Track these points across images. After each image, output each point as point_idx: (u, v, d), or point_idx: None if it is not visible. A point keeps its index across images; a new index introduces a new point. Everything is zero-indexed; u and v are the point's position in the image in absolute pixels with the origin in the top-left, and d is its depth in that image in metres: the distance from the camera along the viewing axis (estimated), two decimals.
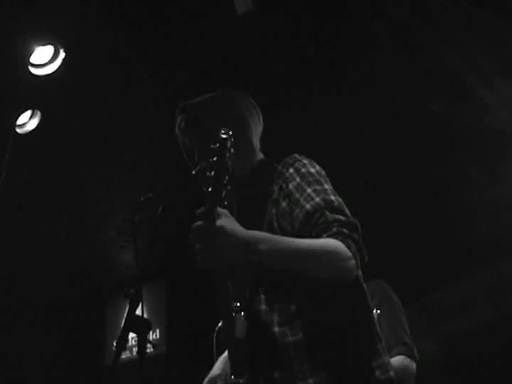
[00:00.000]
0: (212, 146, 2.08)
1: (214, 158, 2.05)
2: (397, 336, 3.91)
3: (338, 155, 5.81)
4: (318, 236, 2.17)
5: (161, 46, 5.20)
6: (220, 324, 3.14)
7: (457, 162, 5.96)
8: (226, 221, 2.05)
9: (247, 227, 2.18)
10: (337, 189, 2.40)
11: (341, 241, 2.13)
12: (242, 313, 2.21)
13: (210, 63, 5.32)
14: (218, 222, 2.01)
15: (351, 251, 2.12)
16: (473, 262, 6.20)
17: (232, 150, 2.09)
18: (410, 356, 3.90)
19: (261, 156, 2.67)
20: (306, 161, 2.43)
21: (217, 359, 2.87)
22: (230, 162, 2.07)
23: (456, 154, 5.95)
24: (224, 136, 2.09)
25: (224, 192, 2.05)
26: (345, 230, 2.16)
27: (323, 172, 2.43)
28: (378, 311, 3.78)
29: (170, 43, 5.17)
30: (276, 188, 2.40)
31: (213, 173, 2.03)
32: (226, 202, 2.09)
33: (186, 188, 2.61)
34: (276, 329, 2.23)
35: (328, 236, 2.15)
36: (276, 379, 2.19)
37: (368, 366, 2.17)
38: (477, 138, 5.78)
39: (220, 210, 2.05)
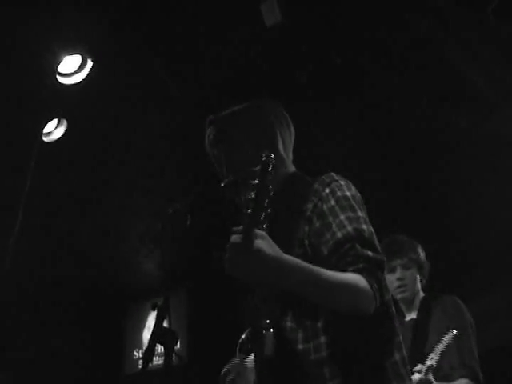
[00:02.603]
0: (254, 169, 2.09)
1: (256, 181, 2.06)
2: (462, 358, 3.84)
3: (353, 166, 5.82)
4: (344, 267, 2.17)
5: (187, 57, 5.22)
6: (243, 336, 3.15)
7: (476, 175, 5.93)
8: (264, 243, 2.04)
9: (276, 242, 2.17)
10: None
11: (365, 277, 2.12)
12: (271, 330, 2.21)
13: (236, 74, 5.33)
14: (256, 243, 2.01)
15: (373, 290, 2.12)
16: (491, 276, 6.14)
17: (273, 173, 2.09)
18: (474, 379, 3.81)
19: (292, 169, 2.64)
20: (342, 182, 2.41)
21: None
22: (270, 186, 2.07)
23: (477, 168, 5.92)
24: (265, 159, 2.09)
25: (264, 214, 2.06)
26: (370, 268, 2.16)
27: (358, 195, 2.42)
28: (454, 331, 3.78)
29: (196, 53, 5.19)
30: (310, 206, 2.37)
31: (253, 195, 2.04)
32: (264, 225, 2.08)
33: (213, 200, 2.61)
34: (300, 346, 2.23)
35: (353, 270, 2.15)
36: None
37: (386, 378, 2.17)
38: (497, 152, 5.76)
39: (258, 231, 2.05)
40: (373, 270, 2.16)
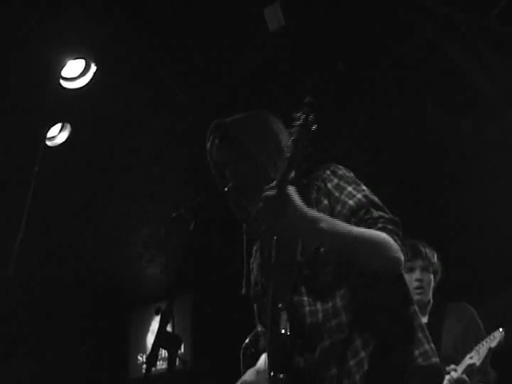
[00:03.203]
0: (297, 118, 2.20)
1: (292, 138, 2.18)
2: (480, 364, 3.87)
3: (356, 171, 5.80)
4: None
5: (192, 61, 5.23)
6: (247, 340, 3.14)
7: (481, 179, 5.92)
8: (296, 197, 2.17)
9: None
10: None
11: (388, 234, 2.24)
12: (285, 312, 2.23)
13: (240, 79, 5.34)
14: (289, 194, 2.15)
15: (398, 243, 2.24)
16: (496, 282, 6.12)
17: (313, 128, 2.20)
18: None
19: None
20: (341, 167, 2.53)
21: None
22: (307, 142, 2.18)
23: (483, 172, 5.90)
24: (304, 113, 2.21)
25: (295, 172, 2.19)
26: (390, 226, 2.28)
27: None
28: (501, 329, 3.84)
29: (201, 58, 5.19)
30: (313, 190, 2.46)
31: (292, 143, 2.17)
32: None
33: (217, 205, 2.61)
34: (322, 326, 2.29)
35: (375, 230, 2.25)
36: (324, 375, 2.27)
37: (410, 353, 2.28)
38: (502, 157, 5.75)
39: (290, 187, 2.17)
40: (393, 229, 2.27)
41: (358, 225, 2.28)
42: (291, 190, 2.16)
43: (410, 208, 6.17)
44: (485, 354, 3.80)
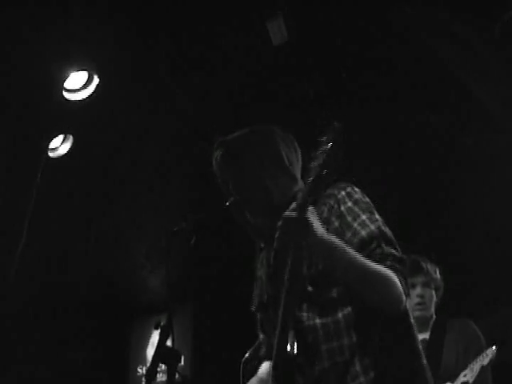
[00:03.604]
0: (322, 138, 2.21)
1: (325, 148, 2.18)
2: (482, 380, 3.86)
3: (360, 182, 5.81)
4: None
5: (195, 73, 5.24)
6: (247, 354, 3.13)
7: (484, 192, 5.92)
8: (314, 219, 2.18)
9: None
10: None
11: (394, 273, 2.22)
12: (292, 330, 2.22)
13: (244, 91, 5.35)
14: (309, 217, 2.15)
15: (402, 285, 2.22)
16: (498, 295, 6.11)
17: (341, 151, 2.22)
18: None
19: (301, 186, 2.64)
20: (357, 189, 2.50)
21: None
22: (331, 169, 2.19)
23: (485, 185, 5.91)
24: (335, 127, 2.25)
25: (317, 193, 2.20)
26: (398, 266, 2.25)
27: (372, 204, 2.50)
28: (494, 347, 3.81)
29: (204, 70, 5.21)
30: (326, 208, 2.44)
31: (318, 162, 2.17)
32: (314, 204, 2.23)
33: (219, 219, 2.61)
34: (323, 346, 2.27)
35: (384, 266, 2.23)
36: None
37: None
38: (505, 170, 5.76)
39: (310, 208, 2.18)
40: (400, 268, 2.25)
41: (367, 257, 2.25)
42: (311, 214, 2.17)
43: (412, 221, 6.19)
44: (477, 371, 3.79)
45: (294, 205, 2.19)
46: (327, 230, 2.33)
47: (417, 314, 4.18)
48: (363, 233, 2.31)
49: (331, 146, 2.18)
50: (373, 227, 2.32)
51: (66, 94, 5.13)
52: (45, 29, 4.65)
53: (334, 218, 2.40)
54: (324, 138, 2.21)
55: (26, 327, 7.28)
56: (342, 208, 2.40)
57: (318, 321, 2.30)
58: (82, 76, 5.12)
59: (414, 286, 4.20)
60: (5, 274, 5.39)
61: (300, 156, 2.75)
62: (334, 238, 2.22)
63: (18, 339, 7.17)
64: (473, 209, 5.95)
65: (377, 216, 2.39)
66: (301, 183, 2.65)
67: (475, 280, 5.96)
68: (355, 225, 2.34)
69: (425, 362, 2.36)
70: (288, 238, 2.17)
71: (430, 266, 4.27)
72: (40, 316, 7.46)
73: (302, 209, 2.14)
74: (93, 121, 5.47)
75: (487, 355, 3.81)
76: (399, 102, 5.51)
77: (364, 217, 2.36)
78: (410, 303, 4.16)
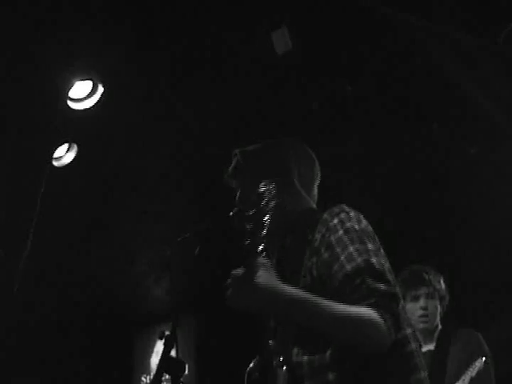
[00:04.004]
0: (252, 199, 2.12)
1: (252, 211, 2.09)
2: None
3: (368, 193, 5.81)
4: (356, 302, 2.11)
5: (200, 83, 5.24)
6: (251, 364, 3.12)
7: (487, 202, 5.91)
8: (264, 274, 2.05)
9: (286, 275, 2.21)
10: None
11: (378, 312, 2.06)
12: (284, 367, 2.19)
13: (248, 104, 5.35)
14: (257, 276, 2.03)
15: (387, 325, 2.06)
16: (503, 305, 6.09)
17: (272, 204, 2.10)
18: None
19: (309, 205, 2.63)
20: (352, 214, 2.36)
21: None
22: (269, 215, 2.09)
23: (488, 195, 5.90)
24: (262, 190, 2.11)
25: (262, 245, 2.05)
26: (384, 302, 2.09)
27: (370, 228, 2.37)
28: (484, 359, 3.79)
29: (209, 80, 5.21)
30: (318, 236, 2.33)
31: (251, 226, 2.07)
32: (264, 255, 2.08)
33: (223, 230, 2.61)
34: (307, 382, 2.21)
35: (367, 305, 2.08)
36: None
37: None
38: (508, 180, 5.76)
39: (262, 260, 2.07)
40: (386, 304, 2.09)
41: (351, 294, 2.13)
42: (261, 267, 2.06)
43: (416, 232, 6.19)
44: (467, 382, 3.79)
45: (245, 261, 2.07)
46: (317, 260, 2.28)
47: (421, 326, 4.17)
48: (348, 267, 2.17)
49: (257, 208, 2.10)
50: (359, 260, 2.18)
51: (71, 103, 5.13)
52: (49, 38, 4.66)
53: (323, 249, 2.28)
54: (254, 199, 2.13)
55: (30, 337, 7.28)
56: (332, 238, 2.27)
57: (305, 358, 2.24)
58: (87, 85, 5.13)
59: (417, 298, 4.19)
60: (9, 285, 5.39)
61: (317, 170, 2.73)
62: (291, 291, 2.09)
63: (21, 350, 7.17)
64: (477, 218, 5.94)
65: (368, 246, 2.24)
66: (308, 201, 2.63)
67: (481, 290, 5.95)
68: (342, 257, 2.21)
69: None
70: (237, 297, 2.07)
71: (433, 277, 4.25)
72: (43, 325, 7.45)
73: (249, 266, 2.05)
74: (97, 130, 5.48)
75: (476, 366, 3.80)
76: (402, 111, 5.51)
77: (351, 249, 2.22)
78: (414, 316, 4.16)
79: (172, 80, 5.25)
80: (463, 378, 3.81)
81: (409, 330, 2.27)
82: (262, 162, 2.64)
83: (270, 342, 2.31)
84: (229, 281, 2.09)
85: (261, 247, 2.05)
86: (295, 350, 2.27)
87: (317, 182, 2.72)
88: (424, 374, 2.26)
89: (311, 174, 2.70)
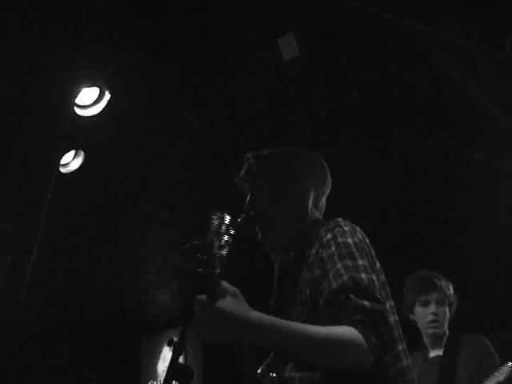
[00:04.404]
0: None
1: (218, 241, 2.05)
2: None
3: (374, 199, 5.81)
4: (339, 320, 2.04)
5: (207, 90, 5.25)
6: (259, 370, 3.11)
7: (493, 209, 5.91)
8: (229, 302, 1.97)
9: (284, 292, 2.25)
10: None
11: (360, 331, 1.99)
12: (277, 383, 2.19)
13: (256, 111, 5.36)
14: (220, 303, 1.94)
15: (369, 344, 1.98)
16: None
17: (225, 238, 2.07)
18: None
19: (316, 217, 2.60)
20: (346, 228, 2.31)
21: None
22: (225, 238, 2.07)
23: (494, 202, 5.90)
24: (215, 218, 2.11)
25: (217, 272, 1.99)
26: (367, 320, 2.01)
27: (365, 242, 2.32)
28: (510, 363, 3.77)
29: (216, 88, 5.22)
30: (313, 252, 2.31)
31: (204, 256, 2.01)
32: (221, 279, 2.01)
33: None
34: None
35: (348, 323, 2.01)
36: None
37: None
38: None
39: (229, 288, 2.02)
40: (370, 322, 2.02)
41: (335, 312, 2.07)
42: (228, 294, 2.00)
43: (425, 239, 6.18)
44: None
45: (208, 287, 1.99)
46: (310, 275, 2.26)
47: (431, 331, 4.18)
48: (334, 284, 2.12)
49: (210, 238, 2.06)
50: (345, 277, 2.12)
51: (78, 110, 5.14)
52: (56, 44, 4.67)
53: (316, 265, 2.25)
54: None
55: (38, 342, 7.29)
56: (324, 254, 2.23)
57: (297, 374, 2.20)
58: (94, 92, 5.13)
59: (428, 304, 4.20)
60: (16, 292, 5.39)
61: (328, 181, 2.71)
62: (260, 317, 1.98)
63: (29, 356, 7.18)
64: (483, 224, 5.94)
65: (359, 261, 2.18)
66: (315, 214, 2.61)
67: (489, 297, 5.95)
68: (330, 274, 2.16)
69: None
70: (202, 325, 1.98)
71: (443, 283, 4.26)
72: (50, 332, 7.46)
73: (211, 295, 1.96)
74: (104, 137, 5.48)
75: (503, 371, 3.79)
76: (408, 118, 5.51)
77: (339, 265, 2.16)
78: (424, 321, 4.18)
79: (179, 86, 5.25)
80: (486, 383, 3.80)
81: (400, 347, 2.22)
82: (275, 170, 2.63)
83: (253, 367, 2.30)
84: (195, 308, 1.98)
85: (216, 272, 1.99)
86: (289, 365, 2.24)
87: (326, 194, 2.71)
88: None
89: (323, 186, 2.68)
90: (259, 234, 2.60)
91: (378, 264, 2.32)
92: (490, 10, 4.56)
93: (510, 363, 3.80)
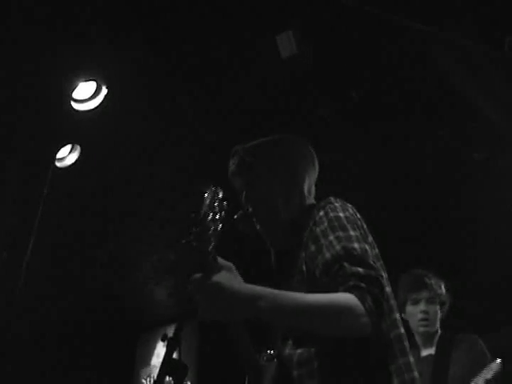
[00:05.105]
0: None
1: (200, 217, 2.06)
2: None
3: (374, 198, 5.80)
4: (335, 289, 2.07)
5: (205, 86, 5.24)
6: None
7: (492, 209, 5.91)
8: (225, 275, 1.97)
9: (283, 273, 2.27)
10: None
11: (356, 296, 2.01)
12: (275, 359, 2.19)
13: (254, 105, 5.35)
14: (216, 277, 1.94)
15: (365, 307, 1.99)
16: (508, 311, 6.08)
17: (219, 213, 2.08)
18: None
19: (311, 201, 2.63)
20: (337, 204, 2.36)
21: None
22: (216, 217, 2.07)
23: (493, 202, 5.90)
24: (209, 193, 2.14)
25: (212, 244, 1.99)
26: (362, 284, 2.04)
27: (356, 216, 2.37)
28: (499, 360, 3.79)
29: (216, 85, 5.21)
30: (307, 231, 2.35)
31: (198, 229, 2.02)
32: (215, 254, 2.01)
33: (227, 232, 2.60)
34: (295, 372, 2.21)
35: (344, 290, 2.04)
36: None
37: None
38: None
39: (224, 263, 2.02)
40: (366, 287, 2.04)
41: (330, 281, 2.10)
42: (224, 269, 1.99)
43: (422, 239, 6.18)
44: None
45: (201, 263, 1.98)
46: (305, 253, 2.29)
47: (421, 329, 4.19)
48: (327, 255, 2.16)
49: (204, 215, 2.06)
50: (338, 247, 2.16)
51: (74, 104, 5.13)
52: (53, 39, 4.66)
53: (310, 242, 2.29)
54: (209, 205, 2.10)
55: (32, 339, 7.28)
56: (318, 230, 2.27)
57: (297, 350, 2.24)
58: (91, 86, 5.12)
59: (418, 302, 4.21)
60: (11, 288, 5.38)
61: (317, 166, 2.73)
62: (257, 290, 1.99)
63: (25, 351, 7.17)
64: (483, 225, 5.94)
65: (351, 232, 2.23)
66: (310, 199, 2.64)
67: (490, 297, 5.95)
68: (324, 248, 2.20)
69: (408, 377, 2.19)
70: (201, 303, 1.96)
71: (434, 281, 4.27)
72: (46, 328, 7.45)
73: (205, 267, 1.96)
74: (101, 131, 5.46)
75: (492, 368, 3.80)
76: (407, 118, 5.51)
77: (332, 237, 2.21)
78: (414, 319, 4.19)
79: (178, 83, 5.24)
80: (475, 380, 3.80)
81: (397, 315, 2.26)
82: (271, 163, 2.63)
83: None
84: (190, 288, 1.98)
85: (211, 246, 1.98)
86: (289, 343, 2.28)
87: (315, 179, 2.73)
88: (411, 360, 2.23)
89: (314, 171, 2.70)
90: (258, 228, 2.60)
91: (370, 238, 2.36)
92: (490, 10, 4.56)
93: (498, 360, 3.81)
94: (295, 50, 4.75)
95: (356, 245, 2.18)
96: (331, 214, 2.30)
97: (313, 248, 2.27)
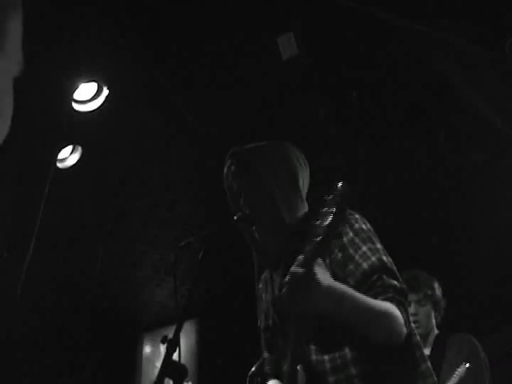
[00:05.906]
0: (327, 197, 2.14)
1: (331, 209, 2.10)
2: None
3: (372, 201, 5.80)
4: (374, 297, 2.23)
5: (204, 88, 5.24)
6: (253, 368, 3.12)
7: (492, 211, 5.91)
8: (321, 271, 2.11)
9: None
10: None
11: (395, 306, 2.21)
12: (300, 365, 2.21)
13: (253, 107, 5.35)
14: (317, 271, 2.08)
15: (403, 317, 2.21)
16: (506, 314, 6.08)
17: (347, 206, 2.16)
18: None
19: (306, 207, 2.66)
20: (357, 216, 2.48)
21: None
22: (344, 218, 2.20)
23: (494, 204, 5.89)
24: (343, 189, 2.15)
25: (330, 245, 2.16)
26: (398, 297, 2.24)
27: (372, 229, 2.48)
28: (467, 365, 3.78)
29: (215, 86, 5.21)
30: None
31: (325, 223, 2.09)
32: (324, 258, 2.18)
33: (227, 235, 2.61)
34: (331, 378, 2.27)
35: (384, 299, 2.23)
36: None
37: None
38: None
39: (319, 260, 2.12)
40: (400, 299, 2.24)
41: (368, 290, 2.27)
42: (319, 268, 2.12)
43: (422, 241, 6.17)
44: None
45: (301, 259, 2.12)
46: (329, 259, 2.35)
47: None
48: (365, 265, 2.31)
49: (338, 208, 2.11)
50: (374, 259, 2.32)
51: (76, 105, 5.13)
52: (54, 39, 4.66)
53: (337, 250, 2.39)
54: (331, 198, 2.15)
55: (33, 340, 7.28)
56: (344, 239, 2.39)
57: (325, 356, 2.31)
58: (92, 87, 5.13)
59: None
60: (12, 288, 5.38)
61: (309, 173, 2.75)
62: (343, 290, 2.19)
63: (26, 352, 7.17)
64: (482, 227, 5.93)
65: (378, 245, 2.40)
66: (306, 205, 2.67)
67: (487, 300, 5.94)
68: (357, 257, 2.34)
69: (432, 380, 2.37)
70: (294, 295, 2.10)
71: (423, 283, 4.25)
72: (46, 328, 7.45)
73: (308, 264, 2.09)
74: (102, 132, 5.47)
75: (458, 373, 3.81)
76: (408, 120, 5.51)
77: (365, 248, 2.36)
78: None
79: (177, 84, 5.24)
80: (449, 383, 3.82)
81: (413, 324, 2.40)
82: (272, 164, 2.63)
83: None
84: (287, 279, 2.11)
85: (319, 238, 2.09)
86: (313, 348, 2.33)
87: (307, 185, 2.77)
88: (429, 365, 2.41)
89: (307, 175, 2.74)
90: (254, 230, 2.60)
91: None
92: (490, 13, 4.56)
93: (467, 365, 3.81)
94: (296, 52, 4.75)
95: (385, 258, 2.37)
96: (356, 226, 2.44)
97: (340, 256, 2.38)
